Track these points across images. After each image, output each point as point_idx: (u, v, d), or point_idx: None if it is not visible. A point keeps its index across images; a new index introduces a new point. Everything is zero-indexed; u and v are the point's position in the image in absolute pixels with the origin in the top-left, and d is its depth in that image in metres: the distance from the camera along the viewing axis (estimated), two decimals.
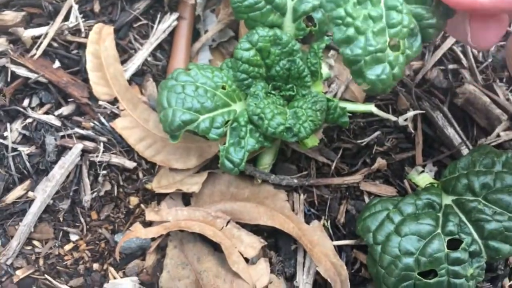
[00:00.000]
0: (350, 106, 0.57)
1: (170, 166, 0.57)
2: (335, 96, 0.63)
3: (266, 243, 0.56)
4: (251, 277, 0.54)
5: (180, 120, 0.49)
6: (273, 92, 0.55)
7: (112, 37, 0.61)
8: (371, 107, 0.59)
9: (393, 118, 0.60)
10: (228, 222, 0.56)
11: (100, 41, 0.60)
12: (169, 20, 0.63)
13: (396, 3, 0.42)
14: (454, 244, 0.51)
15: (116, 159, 0.58)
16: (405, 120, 0.62)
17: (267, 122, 0.51)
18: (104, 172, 0.58)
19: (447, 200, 0.54)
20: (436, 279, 0.50)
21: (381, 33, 0.41)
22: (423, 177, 0.60)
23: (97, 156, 0.57)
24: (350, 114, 0.56)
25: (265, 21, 0.52)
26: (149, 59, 0.63)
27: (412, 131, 0.62)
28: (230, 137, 0.51)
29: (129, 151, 0.59)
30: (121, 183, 0.58)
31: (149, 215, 0.56)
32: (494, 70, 0.69)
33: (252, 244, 0.55)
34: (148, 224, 0.57)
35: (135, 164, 0.58)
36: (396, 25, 0.42)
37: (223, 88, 0.52)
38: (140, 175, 0.59)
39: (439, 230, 0.52)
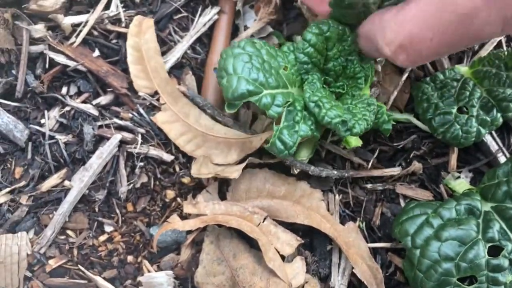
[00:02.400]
0: (393, 114, 0.58)
1: (211, 160, 0.57)
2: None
3: (302, 241, 0.56)
4: (287, 275, 0.54)
5: (245, 89, 0.48)
6: (324, 86, 0.55)
7: (153, 29, 0.61)
8: (411, 118, 0.60)
9: (429, 131, 0.61)
10: (265, 218, 0.56)
11: (140, 34, 0.61)
12: (210, 13, 0.63)
13: None
14: (494, 250, 0.52)
15: (154, 151, 0.58)
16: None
17: (325, 111, 0.51)
18: (141, 164, 0.58)
19: (487, 207, 0.55)
20: (476, 285, 0.51)
21: None
22: (460, 183, 0.61)
23: (135, 148, 0.57)
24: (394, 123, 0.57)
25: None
26: (188, 52, 0.63)
27: (450, 153, 0.63)
28: (285, 119, 0.51)
29: (166, 144, 0.59)
30: (158, 175, 0.58)
31: (187, 208, 0.56)
32: None
33: (289, 241, 0.56)
34: (184, 217, 0.57)
35: (172, 157, 0.58)
36: None
37: (285, 69, 0.52)
38: (177, 168, 0.59)
39: (480, 236, 0.53)
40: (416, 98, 0.62)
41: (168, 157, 0.58)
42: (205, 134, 0.58)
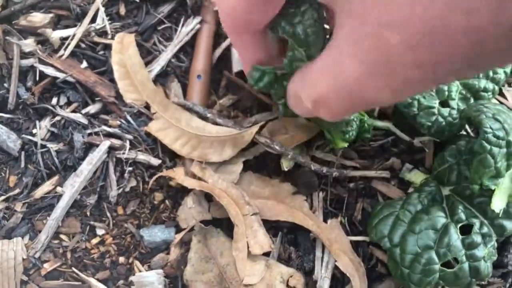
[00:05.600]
0: (370, 121, 0.62)
1: (207, 160, 0.61)
2: None
3: (273, 250, 0.59)
4: (244, 270, 0.57)
5: None
6: None
7: (134, 44, 0.65)
8: (389, 125, 0.65)
9: (407, 139, 0.65)
10: (254, 214, 0.60)
11: (123, 50, 0.65)
12: (192, 23, 0.67)
13: None
14: (465, 230, 0.57)
15: (142, 156, 0.62)
16: (421, 142, 0.66)
17: None
18: (130, 168, 0.61)
19: (446, 191, 0.59)
20: (458, 266, 0.55)
21: None
22: (415, 174, 0.65)
23: (123, 153, 0.61)
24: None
25: None
26: (173, 60, 0.67)
27: (427, 150, 0.66)
28: None
29: (153, 148, 0.63)
30: (146, 179, 0.62)
31: (194, 168, 0.61)
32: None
33: (263, 244, 0.59)
34: (173, 219, 0.61)
35: (160, 161, 0.62)
36: None
37: None
38: (165, 172, 0.62)
39: (449, 220, 0.57)
40: None
41: (155, 161, 0.62)
42: (198, 135, 0.62)
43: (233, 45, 0.53)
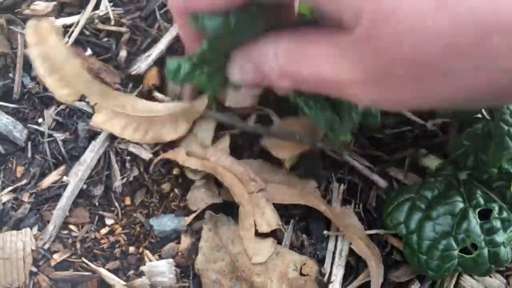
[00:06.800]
0: None
1: (163, 140, 0.60)
2: None
3: (281, 227, 0.58)
4: (254, 249, 0.56)
5: None
6: None
7: (54, 30, 0.61)
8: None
9: (421, 122, 0.63)
10: (261, 190, 0.58)
11: (41, 41, 0.60)
12: None
13: None
14: (484, 214, 0.55)
15: (133, 149, 0.61)
16: (434, 125, 0.64)
17: (315, 111, 0.54)
18: (129, 157, 0.60)
19: (463, 175, 0.58)
20: (477, 252, 0.53)
21: None
22: (430, 159, 0.63)
23: (119, 143, 0.60)
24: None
25: None
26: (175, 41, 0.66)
27: (440, 133, 0.65)
28: None
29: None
30: (148, 170, 0.61)
31: (195, 147, 0.59)
32: None
33: (270, 221, 0.57)
34: (183, 208, 0.60)
35: (151, 155, 0.61)
36: None
37: None
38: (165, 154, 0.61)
39: (467, 205, 0.55)
40: None
41: (146, 155, 0.60)
42: (147, 117, 0.60)
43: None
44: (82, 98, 0.61)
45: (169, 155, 0.60)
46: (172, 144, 0.61)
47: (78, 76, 0.60)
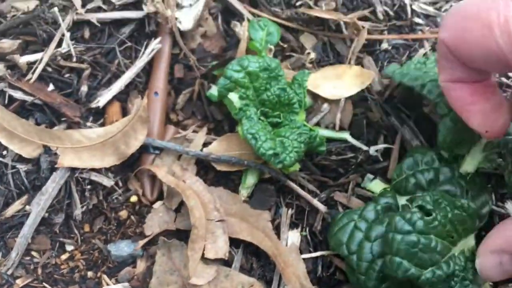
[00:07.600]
0: (326, 134, 0.65)
1: (125, 156, 0.65)
2: (317, 124, 0.70)
3: (227, 258, 0.62)
4: (196, 271, 0.60)
5: None
6: (261, 118, 0.63)
7: None
8: (346, 135, 0.67)
9: (365, 148, 0.68)
10: (220, 221, 0.63)
11: None
12: (152, 44, 0.71)
13: None
14: None
15: (95, 178, 0.65)
16: (376, 151, 0.69)
17: (260, 143, 0.60)
18: (89, 187, 0.65)
19: (402, 200, 0.62)
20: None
21: None
22: (375, 184, 0.68)
23: (80, 173, 0.64)
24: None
25: None
26: (135, 77, 0.70)
27: (381, 159, 0.69)
28: None
29: (108, 169, 0.66)
30: (106, 197, 0.66)
31: (176, 168, 0.65)
32: None
33: (219, 250, 0.62)
34: (139, 234, 0.64)
35: (112, 182, 0.65)
36: None
37: None
38: (120, 191, 0.66)
39: None
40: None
41: (108, 183, 0.65)
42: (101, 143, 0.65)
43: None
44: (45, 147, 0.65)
45: (152, 167, 0.65)
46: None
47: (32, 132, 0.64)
